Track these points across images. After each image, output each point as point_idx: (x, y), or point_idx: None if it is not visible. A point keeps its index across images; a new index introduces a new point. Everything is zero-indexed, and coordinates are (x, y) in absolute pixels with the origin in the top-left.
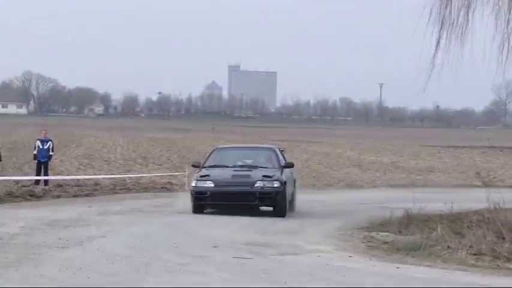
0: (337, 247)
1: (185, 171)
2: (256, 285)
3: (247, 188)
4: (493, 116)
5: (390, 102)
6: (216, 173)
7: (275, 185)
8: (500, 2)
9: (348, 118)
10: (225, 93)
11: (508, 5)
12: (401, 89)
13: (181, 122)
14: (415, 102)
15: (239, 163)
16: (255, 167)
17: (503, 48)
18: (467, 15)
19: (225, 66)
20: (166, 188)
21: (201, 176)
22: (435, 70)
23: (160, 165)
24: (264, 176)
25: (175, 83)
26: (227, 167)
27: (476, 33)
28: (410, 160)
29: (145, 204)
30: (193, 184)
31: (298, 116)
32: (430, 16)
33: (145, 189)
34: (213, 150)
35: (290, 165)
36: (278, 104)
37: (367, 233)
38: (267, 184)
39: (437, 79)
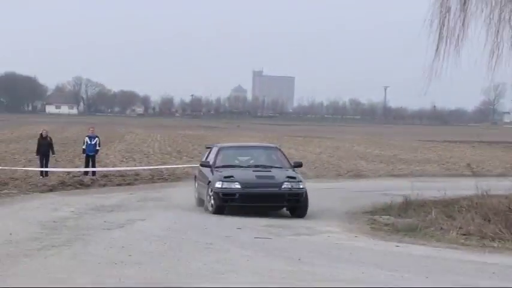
0: (345, 228)
1: None
2: (274, 261)
3: (276, 190)
4: (482, 114)
5: (393, 103)
6: (238, 173)
7: (301, 186)
8: (491, 15)
9: (356, 117)
10: (249, 95)
11: (498, 17)
12: (403, 91)
13: (211, 121)
14: (415, 102)
15: (251, 163)
16: (270, 167)
17: (492, 56)
18: (463, 27)
19: (250, 71)
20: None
21: (225, 177)
22: (434, 74)
23: (192, 158)
24: (288, 177)
25: (206, 86)
26: (241, 167)
27: (470, 42)
28: (410, 153)
29: (179, 192)
30: (218, 185)
31: (312, 115)
32: (430, 27)
33: (179, 179)
34: (218, 149)
35: (299, 165)
36: (295, 105)
37: (370, 217)
38: (295, 185)
39: (436, 82)
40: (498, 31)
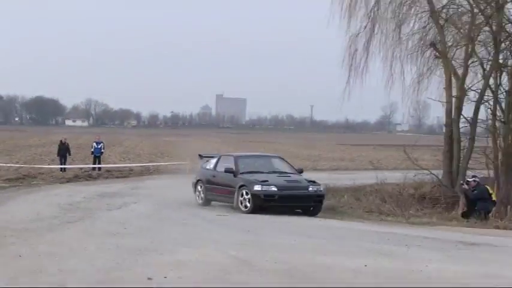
0: None
1: (186, 162)
2: (230, 232)
3: (305, 192)
4: (381, 125)
5: (318, 117)
6: (269, 178)
7: (321, 189)
8: (387, 54)
9: (290, 127)
10: (213, 112)
11: (392, 56)
12: (325, 107)
13: (185, 131)
14: (333, 116)
15: (266, 169)
16: (286, 173)
17: (388, 83)
18: (366, 62)
19: (214, 94)
20: (176, 172)
21: (261, 181)
22: (346, 96)
23: (172, 157)
24: (309, 181)
25: (182, 104)
26: (262, 172)
27: (372, 73)
28: (329, 153)
29: (161, 182)
30: (257, 188)
31: (259, 126)
32: (343, 63)
33: (162, 173)
34: (235, 158)
35: (302, 171)
36: (247, 118)
37: None
38: (318, 188)
39: (347, 101)
40: (391, 65)
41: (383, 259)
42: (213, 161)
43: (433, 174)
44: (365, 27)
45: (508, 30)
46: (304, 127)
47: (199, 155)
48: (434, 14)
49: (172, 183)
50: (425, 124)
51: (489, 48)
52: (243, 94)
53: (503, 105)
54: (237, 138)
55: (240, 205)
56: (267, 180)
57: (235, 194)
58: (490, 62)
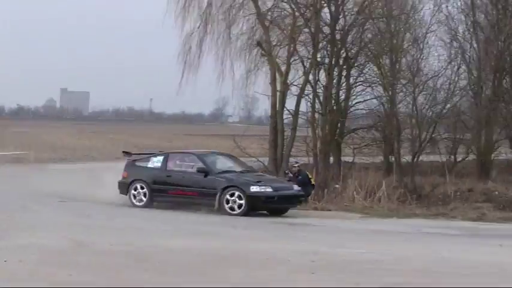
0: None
1: (30, 151)
2: (69, 215)
3: (293, 191)
4: (215, 117)
5: (156, 109)
6: (258, 178)
7: (300, 188)
8: (218, 52)
9: (131, 119)
10: (58, 105)
11: (223, 53)
12: (163, 100)
13: (32, 122)
14: (170, 108)
15: (234, 168)
16: (254, 171)
17: (219, 78)
18: (199, 59)
19: (59, 87)
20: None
21: (256, 182)
22: (181, 90)
23: (17, 147)
24: (287, 181)
25: (28, 97)
26: (234, 171)
27: (205, 69)
28: (166, 143)
29: (5, 170)
30: (255, 189)
31: (102, 118)
32: (178, 59)
33: (6, 162)
34: (199, 157)
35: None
36: (90, 111)
37: None
38: (299, 188)
39: (183, 95)
40: (223, 62)
41: (213, 239)
42: (157, 159)
43: (260, 161)
44: (198, 26)
45: (324, 31)
46: (143, 119)
47: (125, 152)
48: (260, 16)
49: (15, 172)
50: (254, 116)
51: (309, 48)
52: (86, 87)
53: (321, 98)
54: (79, 129)
55: (226, 208)
56: (260, 181)
57: (218, 195)
58: (309, 60)
